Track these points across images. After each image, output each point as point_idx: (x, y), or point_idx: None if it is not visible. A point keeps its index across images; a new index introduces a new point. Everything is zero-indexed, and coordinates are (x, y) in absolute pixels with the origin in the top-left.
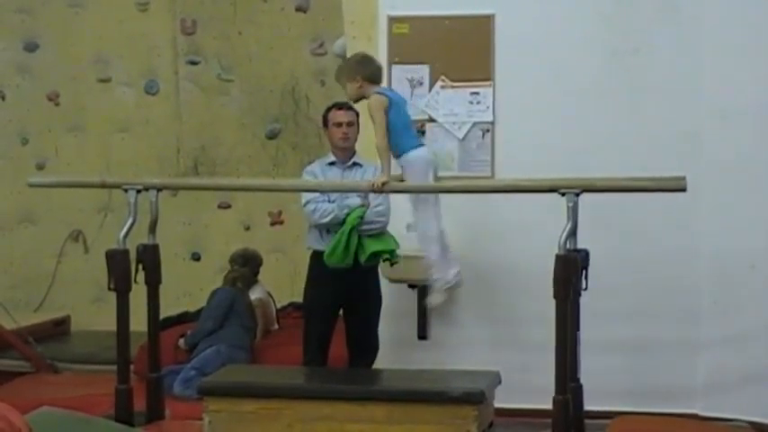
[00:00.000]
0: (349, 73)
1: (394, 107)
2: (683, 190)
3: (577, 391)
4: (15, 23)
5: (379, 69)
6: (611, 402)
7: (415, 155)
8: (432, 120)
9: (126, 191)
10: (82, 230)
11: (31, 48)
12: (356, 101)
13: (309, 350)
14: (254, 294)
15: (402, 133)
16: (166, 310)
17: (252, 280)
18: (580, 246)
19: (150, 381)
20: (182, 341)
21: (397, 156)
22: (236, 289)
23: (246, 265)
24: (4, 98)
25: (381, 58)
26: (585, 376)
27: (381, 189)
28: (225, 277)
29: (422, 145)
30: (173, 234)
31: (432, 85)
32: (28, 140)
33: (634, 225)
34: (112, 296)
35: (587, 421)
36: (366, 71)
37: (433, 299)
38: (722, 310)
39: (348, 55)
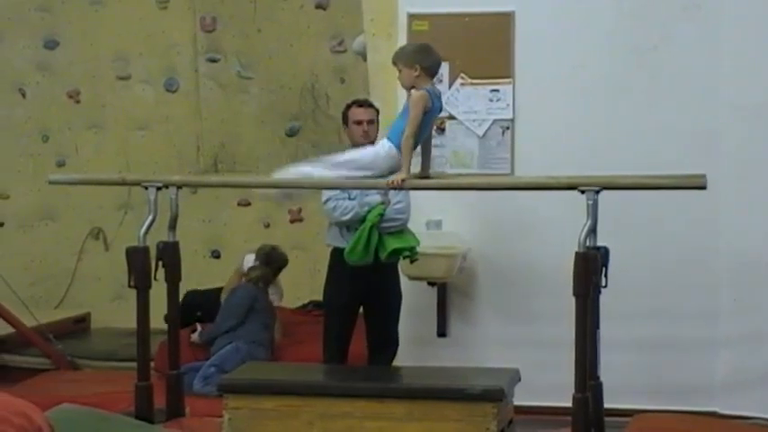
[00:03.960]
0: (408, 60)
1: (429, 114)
2: (703, 187)
3: (597, 388)
4: (35, 21)
5: (438, 63)
6: (631, 400)
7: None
8: (451, 117)
9: (146, 188)
10: (102, 228)
11: (51, 46)
12: (408, 89)
13: (329, 347)
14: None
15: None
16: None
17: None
18: (600, 243)
19: (170, 378)
20: (195, 335)
21: (388, 138)
22: (257, 288)
23: (268, 265)
24: (24, 96)
25: None
26: (605, 374)
27: (401, 186)
28: (246, 275)
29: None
30: (192, 231)
31: (451, 83)
32: (48, 138)
33: (654, 222)
34: (132, 293)
35: (607, 419)
36: (426, 62)
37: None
38: (742, 307)
39: (367, 53)
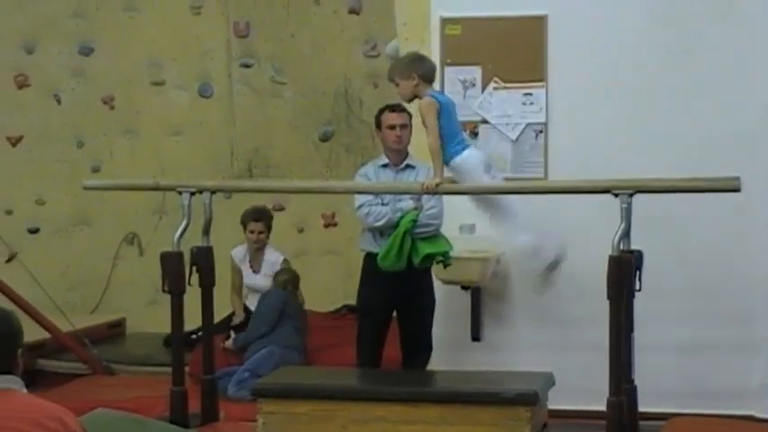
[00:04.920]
0: (403, 71)
1: (444, 112)
2: (737, 190)
3: (632, 392)
4: (71, 28)
5: (433, 68)
6: (666, 404)
7: (460, 159)
8: (484, 121)
9: (180, 193)
10: (137, 233)
11: (86, 52)
12: (410, 100)
13: (363, 351)
14: None
15: (449, 140)
16: (220, 313)
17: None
18: (634, 246)
19: (205, 382)
20: (229, 342)
21: (446, 162)
22: (287, 291)
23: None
24: (59, 102)
25: (434, 59)
26: (640, 377)
27: (434, 191)
28: (275, 279)
29: (467, 147)
30: (226, 236)
31: (484, 87)
32: (83, 144)
33: (688, 226)
34: (167, 298)
35: (642, 423)
36: (421, 70)
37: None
38: None
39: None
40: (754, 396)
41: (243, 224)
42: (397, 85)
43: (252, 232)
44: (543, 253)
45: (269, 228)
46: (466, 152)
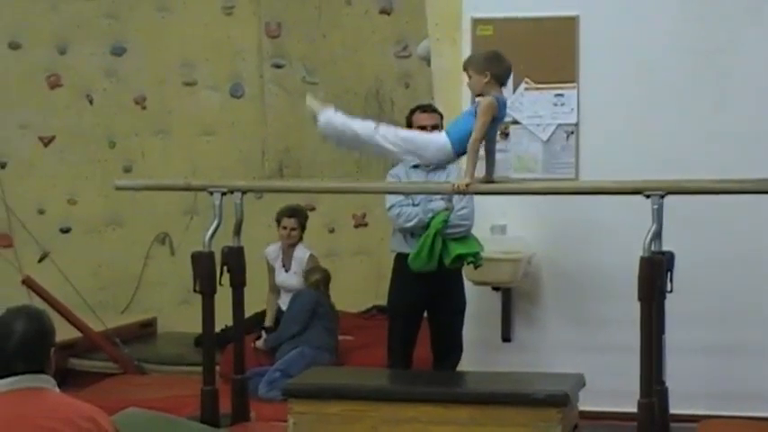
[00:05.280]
0: (479, 66)
1: (495, 122)
2: None
3: (663, 394)
4: (103, 28)
5: (508, 71)
6: (698, 406)
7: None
8: (516, 122)
9: (211, 193)
10: (168, 233)
11: (118, 52)
12: (477, 95)
13: (394, 352)
14: None
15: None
16: (251, 312)
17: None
18: (666, 247)
19: (235, 382)
20: (260, 342)
21: (446, 131)
22: (318, 291)
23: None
24: (92, 102)
25: None
26: (671, 379)
27: (465, 191)
28: (306, 278)
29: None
30: (257, 236)
31: (516, 87)
32: (115, 144)
33: (721, 227)
34: (198, 298)
35: (673, 425)
36: (496, 69)
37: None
38: None
39: (432, 57)
40: None
41: (277, 221)
42: (470, 77)
43: (285, 228)
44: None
45: (302, 226)
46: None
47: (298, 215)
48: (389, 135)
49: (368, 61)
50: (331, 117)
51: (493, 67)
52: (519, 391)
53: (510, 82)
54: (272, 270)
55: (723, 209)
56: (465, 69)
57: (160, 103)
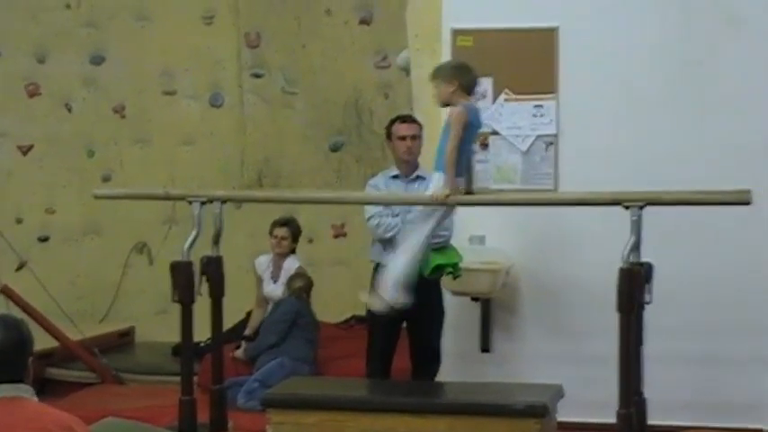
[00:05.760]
0: (447, 75)
1: (470, 129)
2: (748, 203)
3: (641, 404)
4: (82, 37)
5: (475, 80)
6: (676, 416)
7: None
8: (495, 132)
9: (190, 203)
10: (147, 242)
11: (97, 61)
12: (444, 105)
13: (372, 362)
14: None
15: (456, 160)
16: (230, 323)
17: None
18: (645, 259)
19: (214, 392)
20: (239, 351)
21: (436, 168)
22: (301, 300)
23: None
24: (70, 111)
25: None
26: (651, 390)
27: (444, 201)
28: (289, 286)
29: (461, 176)
30: (237, 246)
31: (495, 98)
32: (94, 153)
33: (698, 238)
34: (176, 308)
35: None
36: (464, 79)
37: (371, 298)
38: None
39: (411, 68)
40: (765, 409)
41: (270, 232)
42: (437, 86)
43: (275, 237)
44: (392, 288)
45: (294, 237)
46: (437, 175)
47: (290, 225)
48: (417, 224)
49: (347, 71)
50: (390, 285)
51: (461, 76)
52: (498, 401)
53: (489, 93)
54: (259, 281)
55: (702, 220)
56: (433, 79)
57: (139, 112)
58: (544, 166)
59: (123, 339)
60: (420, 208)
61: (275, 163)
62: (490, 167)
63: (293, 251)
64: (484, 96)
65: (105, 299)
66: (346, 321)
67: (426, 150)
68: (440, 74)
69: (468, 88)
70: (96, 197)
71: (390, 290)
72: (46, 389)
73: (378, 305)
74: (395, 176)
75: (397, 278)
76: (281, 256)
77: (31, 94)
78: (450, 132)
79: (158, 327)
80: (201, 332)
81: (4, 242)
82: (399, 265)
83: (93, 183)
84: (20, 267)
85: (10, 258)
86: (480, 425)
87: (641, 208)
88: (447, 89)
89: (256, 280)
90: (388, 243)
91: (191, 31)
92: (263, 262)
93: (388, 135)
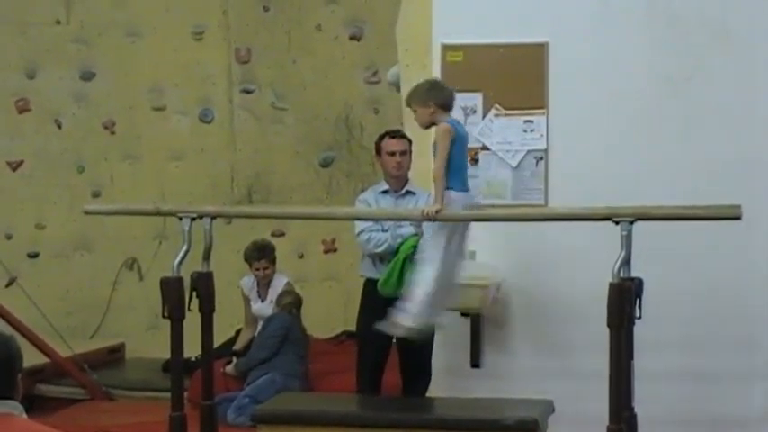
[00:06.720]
0: (420, 98)
1: (458, 142)
2: (738, 218)
3: (632, 420)
4: (72, 53)
5: (451, 96)
6: (666, 431)
7: (456, 196)
8: (485, 148)
9: (180, 219)
10: (137, 258)
11: (87, 77)
12: (427, 127)
13: (363, 378)
14: None
15: (455, 173)
16: (220, 339)
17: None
18: (635, 274)
19: (204, 408)
20: (230, 367)
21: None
22: (291, 315)
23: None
24: (60, 127)
25: None
26: (640, 405)
27: (434, 217)
28: (278, 303)
29: (467, 190)
30: (227, 262)
31: (485, 113)
32: (84, 168)
33: (689, 253)
34: (167, 324)
35: None
36: (439, 97)
37: (398, 323)
38: None
39: (401, 83)
40: (754, 424)
41: (247, 262)
42: (415, 111)
43: (258, 270)
44: (422, 311)
45: (273, 261)
46: (463, 194)
47: (266, 254)
48: (435, 245)
49: (337, 87)
50: (417, 305)
51: (434, 96)
52: (488, 417)
53: (479, 108)
54: (247, 301)
55: (692, 235)
56: (409, 105)
57: (129, 127)
58: (534, 182)
59: (113, 355)
60: (425, 224)
61: (265, 178)
62: (480, 182)
63: (274, 270)
64: (474, 112)
65: (95, 315)
66: (337, 337)
67: (416, 165)
68: (414, 99)
69: (446, 105)
70: (86, 213)
71: (417, 309)
72: (35, 405)
73: (403, 328)
74: (384, 191)
75: (423, 297)
76: (266, 282)
77: (21, 110)
78: (437, 149)
79: (148, 343)
80: (192, 348)
81: None
82: (422, 283)
83: (83, 199)
84: (9, 283)
85: None
86: None
87: (631, 223)
88: (425, 112)
89: (243, 300)
90: (377, 258)
91: (181, 47)
92: (248, 282)
93: (378, 150)
